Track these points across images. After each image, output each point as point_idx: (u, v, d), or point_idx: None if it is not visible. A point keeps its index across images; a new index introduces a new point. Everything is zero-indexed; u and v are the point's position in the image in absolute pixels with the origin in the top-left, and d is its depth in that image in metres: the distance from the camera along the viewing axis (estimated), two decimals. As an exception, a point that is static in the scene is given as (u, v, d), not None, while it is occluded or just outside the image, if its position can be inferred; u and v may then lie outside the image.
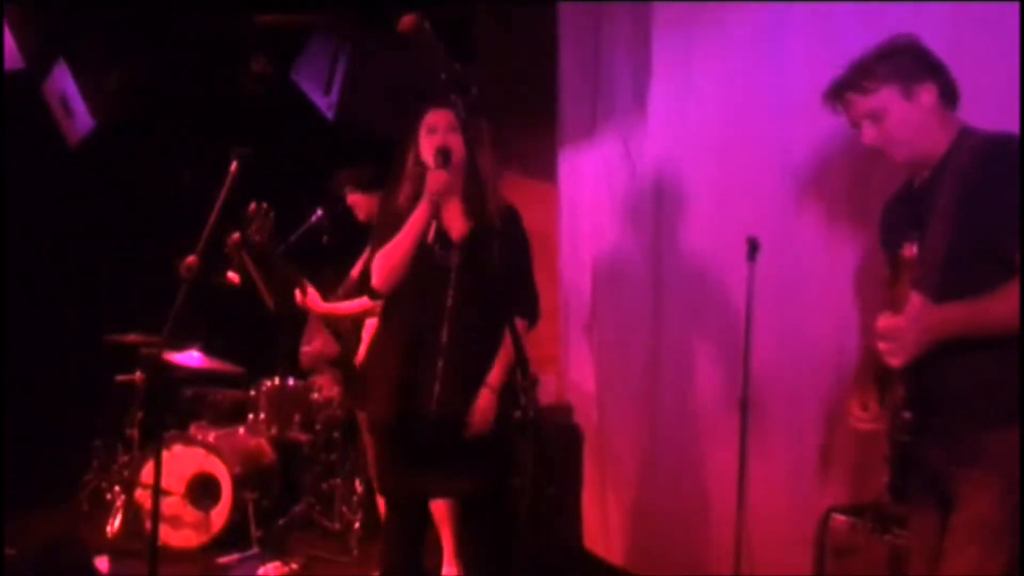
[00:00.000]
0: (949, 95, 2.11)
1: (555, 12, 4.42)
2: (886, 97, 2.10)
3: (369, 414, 3.00)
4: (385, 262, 2.78)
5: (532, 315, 2.95)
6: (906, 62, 2.11)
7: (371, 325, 3.88)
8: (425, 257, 2.78)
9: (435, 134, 2.78)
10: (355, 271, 4.04)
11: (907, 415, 2.04)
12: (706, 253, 3.58)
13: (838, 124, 3.00)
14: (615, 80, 4.09)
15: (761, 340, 3.24)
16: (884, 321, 2.02)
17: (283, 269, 3.87)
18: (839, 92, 2.19)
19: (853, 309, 3.02)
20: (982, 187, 1.98)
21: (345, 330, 3.95)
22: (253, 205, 3.81)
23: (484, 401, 2.79)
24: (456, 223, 2.83)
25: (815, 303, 3.13)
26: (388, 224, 2.82)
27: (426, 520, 3.08)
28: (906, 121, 2.10)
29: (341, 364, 3.95)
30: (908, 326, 1.97)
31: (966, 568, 1.99)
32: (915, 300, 1.97)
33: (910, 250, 1.98)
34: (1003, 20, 2.47)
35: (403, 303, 2.85)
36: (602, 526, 4.09)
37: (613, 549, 4.03)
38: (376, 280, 2.82)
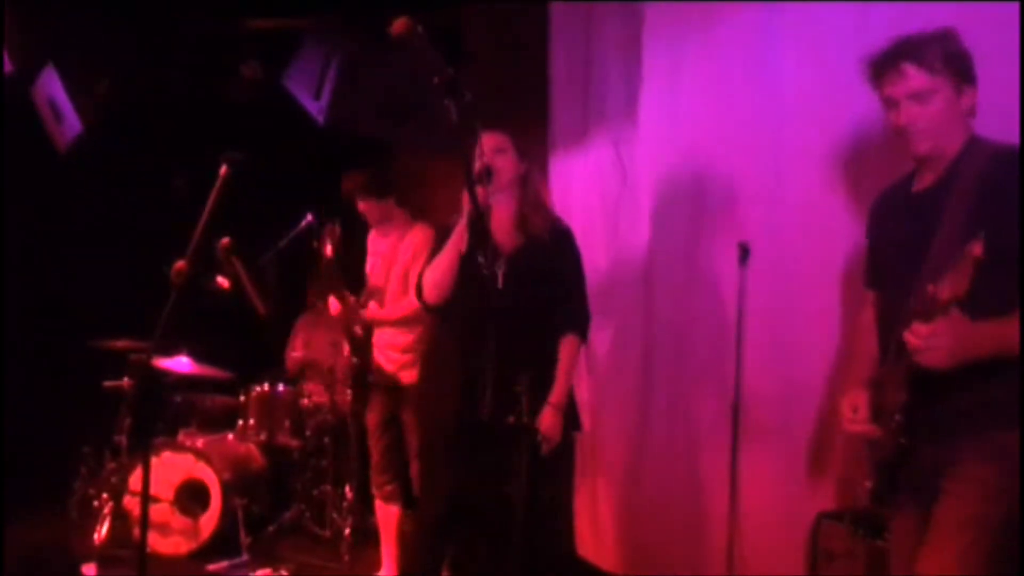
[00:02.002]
0: (974, 107, 2.08)
1: (546, 16, 4.43)
2: (942, 83, 2.03)
3: (427, 419, 3.24)
4: (431, 277, 2.98)
5: (582, 329, 3.06)
6: (961, 58, 2.06)
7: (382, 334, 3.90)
8: (472, 271, 2.88)
9: (481, 156, 2.87)
10: (372, 276, 4.02)
11: (898, 417, 2.02)
12: (697, 257, 3.58)
13: (829, 127, 3.05)
14: (606, 84, 4.09)
15: (752, 345, 3.25)
16: (915, 333, 1.91)
17: (334, 278, 3.86)
18: (894, 60, 2.07)
19: (844, 313, 3.02)
20: (1001, 198, 1.94)
21: (358, 335, 3.93)
22: (335, 228, 3.88)
23: (547, 418, 2.90)
24: (507, 238, 2.97)
25: (806, 307, 3.13)
26: (440, 241, 3.03)
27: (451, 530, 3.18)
28: (947, 114, 2.04)
29: (354, 373, 3.94)
30: (945, 329, 1.88)
31: (949, 560, 1.96)
32: (946, 321, 1.89)
33: (977, 248, 1.83)
34: (1002, 20, 2.46)
35: (455, 314, 3.04)
36: (594, 531, 4.07)
37: (605, 554, 4.02)
38: (426, 294, 3.00)
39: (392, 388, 3.83)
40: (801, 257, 3.16)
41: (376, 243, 4.03)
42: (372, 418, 3.91)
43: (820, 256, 3.10)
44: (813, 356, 3.10)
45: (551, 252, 2.98)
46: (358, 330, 3.83)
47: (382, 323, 3.88)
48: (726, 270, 3.32)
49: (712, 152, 3.52)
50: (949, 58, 2.03)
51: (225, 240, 3.97)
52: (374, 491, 3.93)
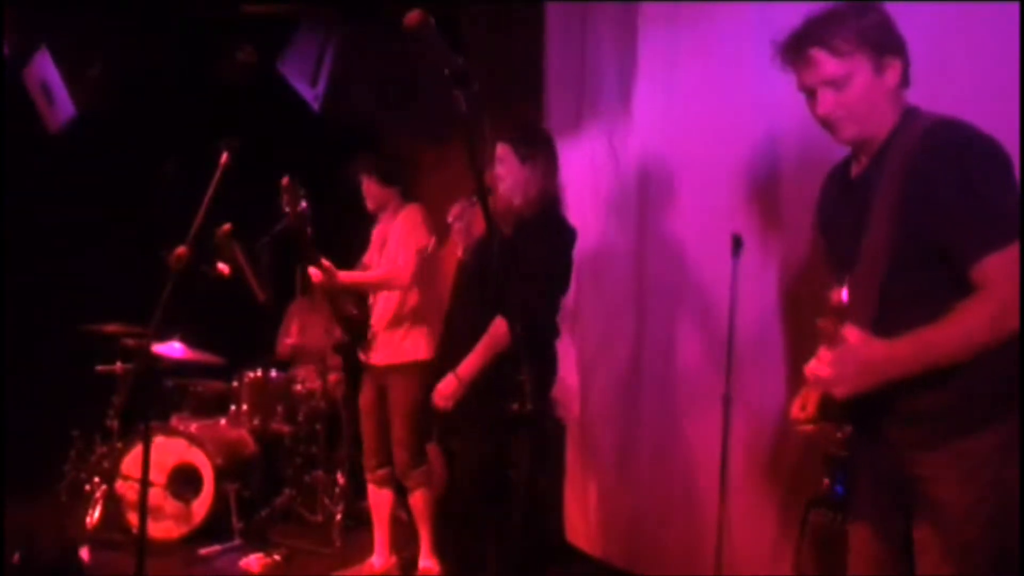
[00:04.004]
0: (906, 76, 1.89)
1: (542, 11, 4.44)
2: (857, 64, 1.83)
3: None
4: None
5: (513, 315, 2.87)
6: (879, 30, 1.86)
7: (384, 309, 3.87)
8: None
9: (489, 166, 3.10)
10: (367, 258, 4.02)
11: (840, 434, 1.89)
12: (690, 249, 3.61)
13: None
14: (601, 77, 4.11)
15: (744, 335, 3.28)
16: (820, 360, 1.80)
17: (306, 247, 3.76)
18: (802, 46, 1.88)
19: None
20: (928, 180, 1.78)
21: (351, 315, 3.88)
22: (286, 179, 3.74)
23: (445, 384, 3.03)
24: (478, 229, 3.09)
25: (799, 299, 3.16)
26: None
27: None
28: (868, 96, 1.85)
29: (343, 350, 3.92)
30: (846, 356, 1.76)
31: None
32: (851, 334, 1.75)
33: (838, 295, 1.76)
34: (1002, 20, 2.44)
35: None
36: (584, 519, 4.12)
37: (594, 542, 4.06)
38: None
39: (382, 369, 3.82)
40: (795, 250, 3.19)
41: (376, 234, 4.03)
42: (364, 400, 3.90)
43: (813, 247, 3.13)
44: (805, 347, 3.13)
45: (511, 242, 3.00)
46: (352, 309, 3.81)
47: (360, 285, 3.84)
48: (719, 262, 3.34)
49: (705, 145, 3.54)
50: (863, 34, 1.83)
51: (226, 226, 3.95)
52: (366, 475, 3.94)
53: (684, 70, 3.66)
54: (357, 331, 3.81)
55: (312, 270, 3.73)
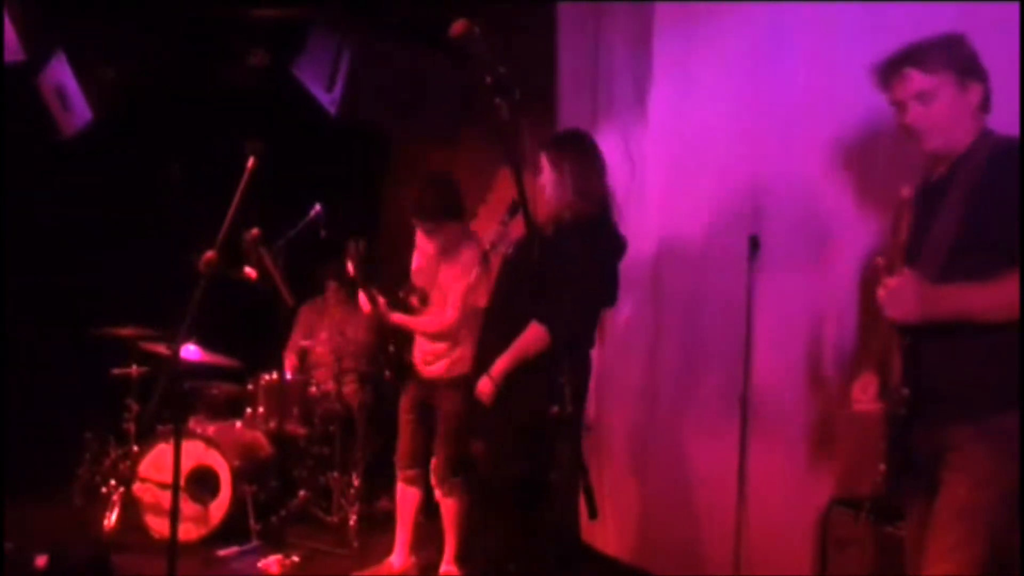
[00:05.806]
0: (986, 102, 2.18)
1: (553, 12, 4.45)
2: (943, 81, 2.14)
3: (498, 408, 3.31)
4: None
5: (548, 323, 2.93)
6: (965, 56, 2.17)
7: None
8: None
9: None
10: (416, 275, 3.94)
11: (905, 391, 2.11)
12: (706, 250, 3.63)
13: (837, 120, 3.11)
14: (615, 79, 4.13)
15: (761, 336, 3.31)
16: (884, 287, 2.12)
17: (369, 286, 3.84)
18: (897, 66, 2.19)
19: (852, 306, 3.08)
20: (994, 185, 2.06)
21: (390, 352, 3.96)
22: (351, 244, 3.84)
23: (482, 384, 3.07)
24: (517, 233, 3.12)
25: (815, 300, 3.19)
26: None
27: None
28: (952, 111, 2.15)
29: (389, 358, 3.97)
30: (908, 284, 2.07)
31: (945, 552, 2.04)
32: (908, 273, 2.09)
33: (908, 191, 2.18)
34: (1002, 20, 2.53)
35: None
36: (600, 518, 4.13)
37: (610, 542, 4.08)
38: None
39: (430, 381, 3.84)
40: (810, 249, 3.22)
41: (424, 242, 3.91)
42: (405, 401, 3.92)
43: (829, 248, 3.16)
44: (821, 348, 3.17)
45: (548, 247, 2.98)
46: (392, 347, 3.90)
47: (409, 329, 3.86)
48: (735, 263, 3.37)
49: (721, 145, 3.57)
50: (951, 58, 2.15)
51: (254, 231, 3.95)
52: (397, 472, 3.96)
53: (699, 71, 3.68)
54: (396, 366, 3.91)
55: (362, 299, 3.84)
